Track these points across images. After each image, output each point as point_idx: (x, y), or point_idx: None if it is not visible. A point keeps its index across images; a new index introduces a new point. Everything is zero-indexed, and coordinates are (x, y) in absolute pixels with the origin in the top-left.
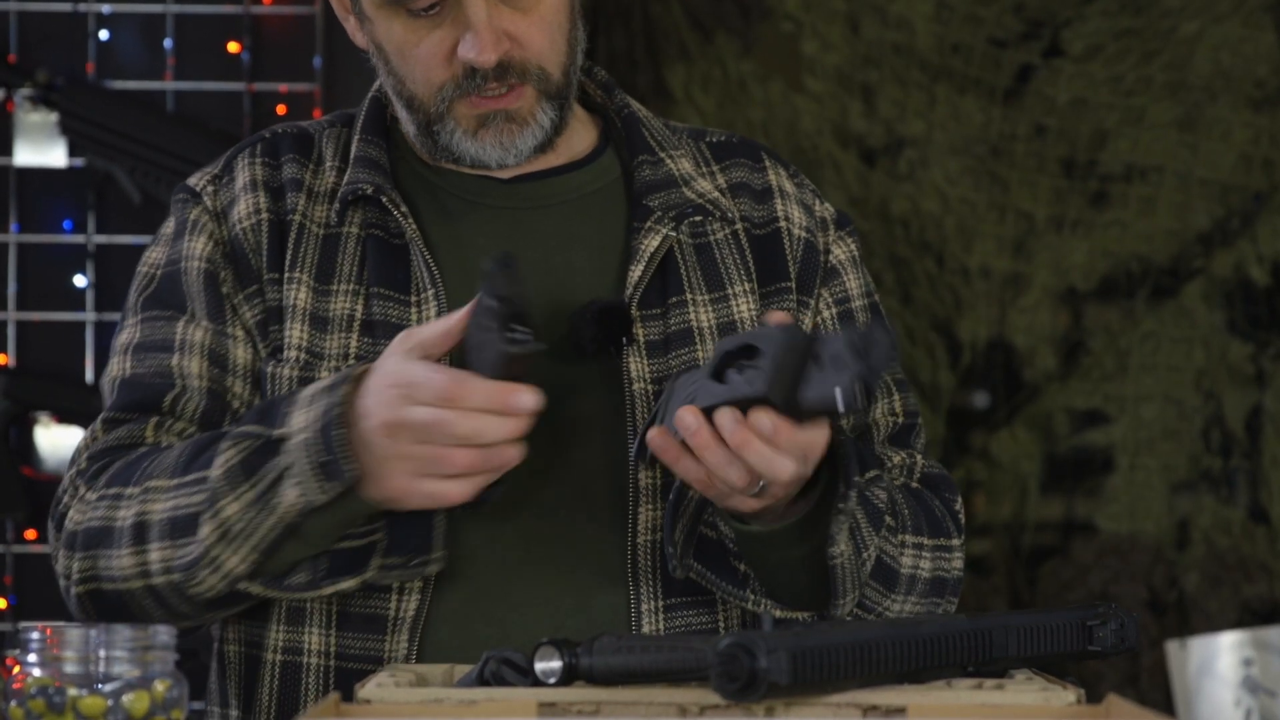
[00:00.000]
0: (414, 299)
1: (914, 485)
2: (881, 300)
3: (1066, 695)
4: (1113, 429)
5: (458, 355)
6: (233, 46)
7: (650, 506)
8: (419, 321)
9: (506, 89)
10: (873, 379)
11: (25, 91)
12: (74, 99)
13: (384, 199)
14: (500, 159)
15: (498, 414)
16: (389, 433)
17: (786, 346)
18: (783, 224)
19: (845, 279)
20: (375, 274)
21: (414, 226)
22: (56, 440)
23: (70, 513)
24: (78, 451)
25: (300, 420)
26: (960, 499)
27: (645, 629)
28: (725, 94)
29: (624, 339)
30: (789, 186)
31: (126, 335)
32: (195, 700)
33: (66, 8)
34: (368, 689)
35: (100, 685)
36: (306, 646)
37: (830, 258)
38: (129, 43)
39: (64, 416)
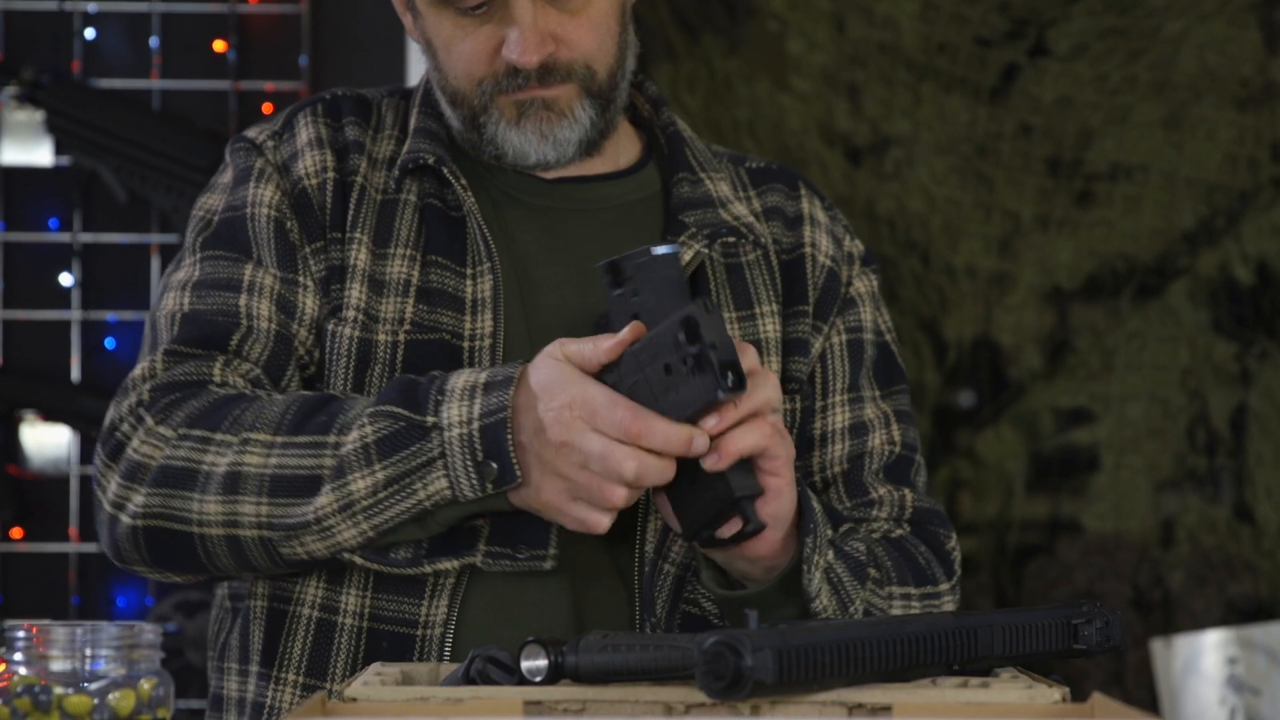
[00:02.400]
0: (470, 271)
1: (896, 534)
2: (873, 290)
3: (1051, 694)
4: (1098, 428)
5: (612, 377)
6: (219, 45)
7: (658, 519)
8: (474, 293)
9: (550, 85)
10: (725, 353)
11: (11, 90)
12: (60, 97)
13: (445, 170)
14: (540, 150)
15: (661, 456)
16: (558, 452)
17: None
18: (808, 249)
19: (861, 311)
20: (432, 242)
21: (472, 199)
22: (42, 439)
23: (134, 442)
24: (133, 381)
25: (458, 414)
26: (955, 537)
27: None
28: (711, 93)
29: None
30: (822, 217)
31: (185, 273)
32: (181, 698)
33: (52, 6)
34: (354, 688)
35: (86, 684)
36: (343, 606)
37: (850, 289)
38: (115, 41)
39: (50, 415)
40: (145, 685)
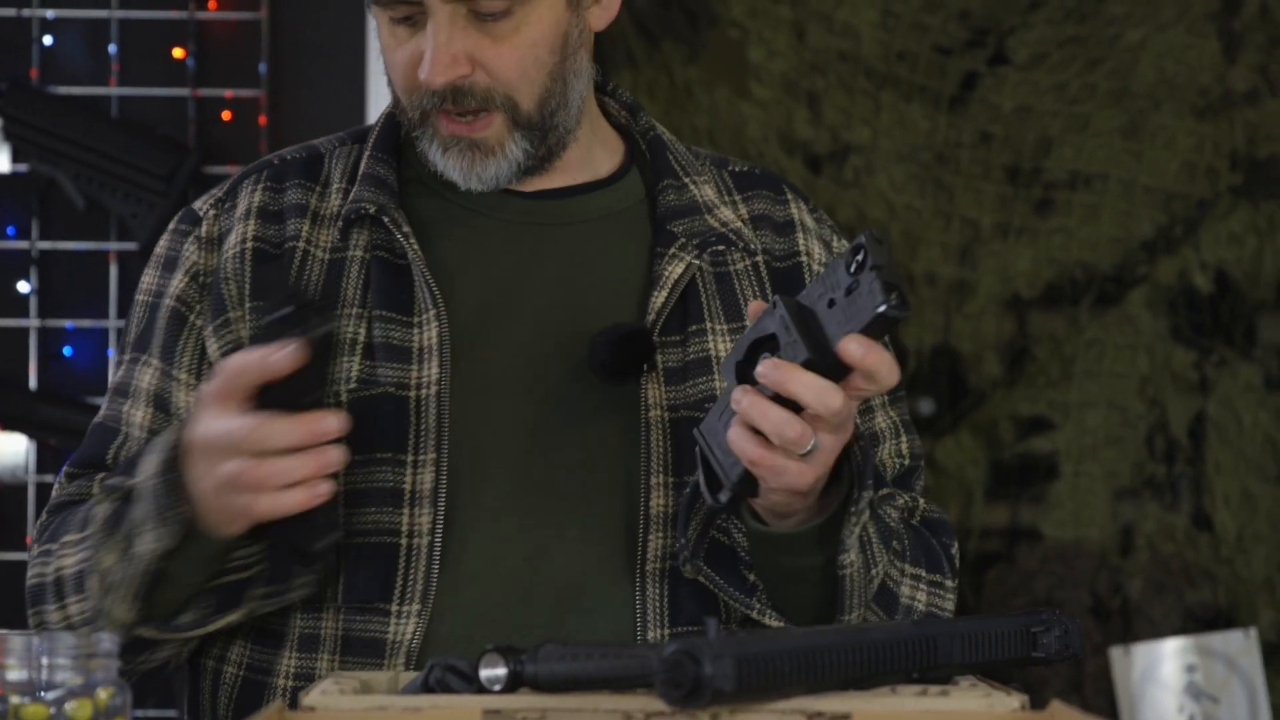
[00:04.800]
0: (416, 319)
1: (914, 523)
2: None
3: (1010, 701)
4: (1057, 435)
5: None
6: (178, 52)
7: (660, 534)
8: (420, 342)
9: (472, 115)
10: (890, 275)
11: None
12: (18, 104)
13: (386, 219)
14: (465, 182)
15: (306, 448)
16: (214, 492)
17: (794, 312)
18: (804, 258)
19: None
20: (378, 296)
21: (415, 247)
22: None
23: (29, 570)
24: (46, 507)
25: (145, 468)
26: (956, 544)
27: None
28: (672, 100)
29: (645, 365)
30: (810, 221)
31: (112, 377)
32: (139, 708)
33: (10, 13)
34: (312, 696)
35: (43, 693)
36: (318, 673)
37: None
38: (73, 48)
39: (6, 424)
40: (102, 694)
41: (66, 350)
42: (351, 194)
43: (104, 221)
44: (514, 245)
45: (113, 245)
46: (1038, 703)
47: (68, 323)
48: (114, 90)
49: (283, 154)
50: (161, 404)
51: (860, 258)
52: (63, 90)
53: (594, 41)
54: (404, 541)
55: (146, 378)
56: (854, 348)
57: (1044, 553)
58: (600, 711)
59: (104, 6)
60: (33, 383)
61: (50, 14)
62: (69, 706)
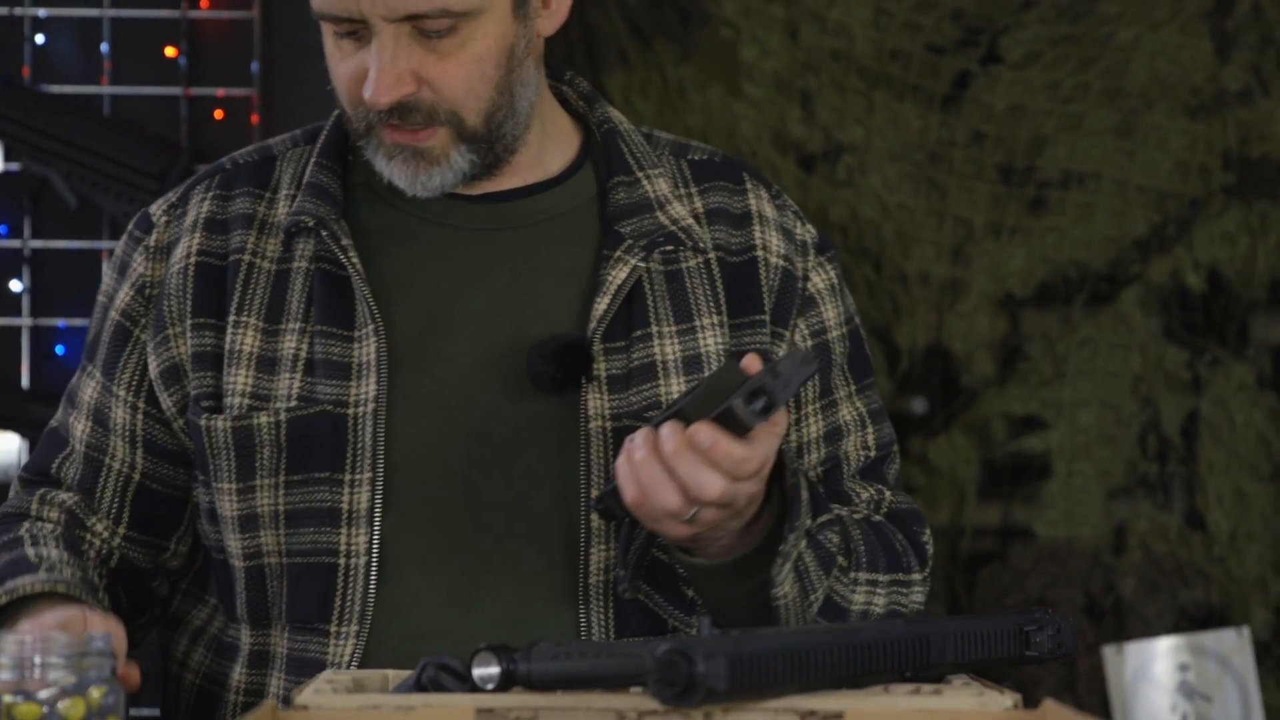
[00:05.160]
0: (356, 334)
1: (876, 518)
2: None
3: (1003, 700)
4: (1050, 435)
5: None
6: (170, 51)
7: (602, 546)
8: (359, 358)
9: (416, 128)
10: (775, 387)
11: None
12: (9, 103)
13: (325, 233)
14: (411, 189)
15: None
16: None
17: (730, 370)
18: (760, 253)
19: (823, 309)
20: (320, 310)
21: (354, 262)
22: None
23: None
24: None
25: None
26: (928, 533)
27: None
28: (664, 100)
29: (584, 377)
30: (769, 210)
31: (72, 379)
32: (132, 706)
33: (2, 11)
34: (305, 695)
35: (36, 692)
36: (269, 689)
37: (809, 285)
38: (65, 47)
39: (0, 422)
40: (95, 693)
41: (59, 349)
42: (294, 205)
43: (96, 220)
44: (459, 254)
45: (105, 244)
46: (1031, 701)
47: (60, 321)
48: (106, 89)
49: (236, 157)
50: (100, 419)
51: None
52: (55, 89)
53: (543, 46)
54: (342, 562)
55: (89, 391)
56: (702, 436)
57: (1037, 552)
58: (593, 710)
59: (96, 5)
60: (25, 381)
61: (42, 13)
62: (62, 705)
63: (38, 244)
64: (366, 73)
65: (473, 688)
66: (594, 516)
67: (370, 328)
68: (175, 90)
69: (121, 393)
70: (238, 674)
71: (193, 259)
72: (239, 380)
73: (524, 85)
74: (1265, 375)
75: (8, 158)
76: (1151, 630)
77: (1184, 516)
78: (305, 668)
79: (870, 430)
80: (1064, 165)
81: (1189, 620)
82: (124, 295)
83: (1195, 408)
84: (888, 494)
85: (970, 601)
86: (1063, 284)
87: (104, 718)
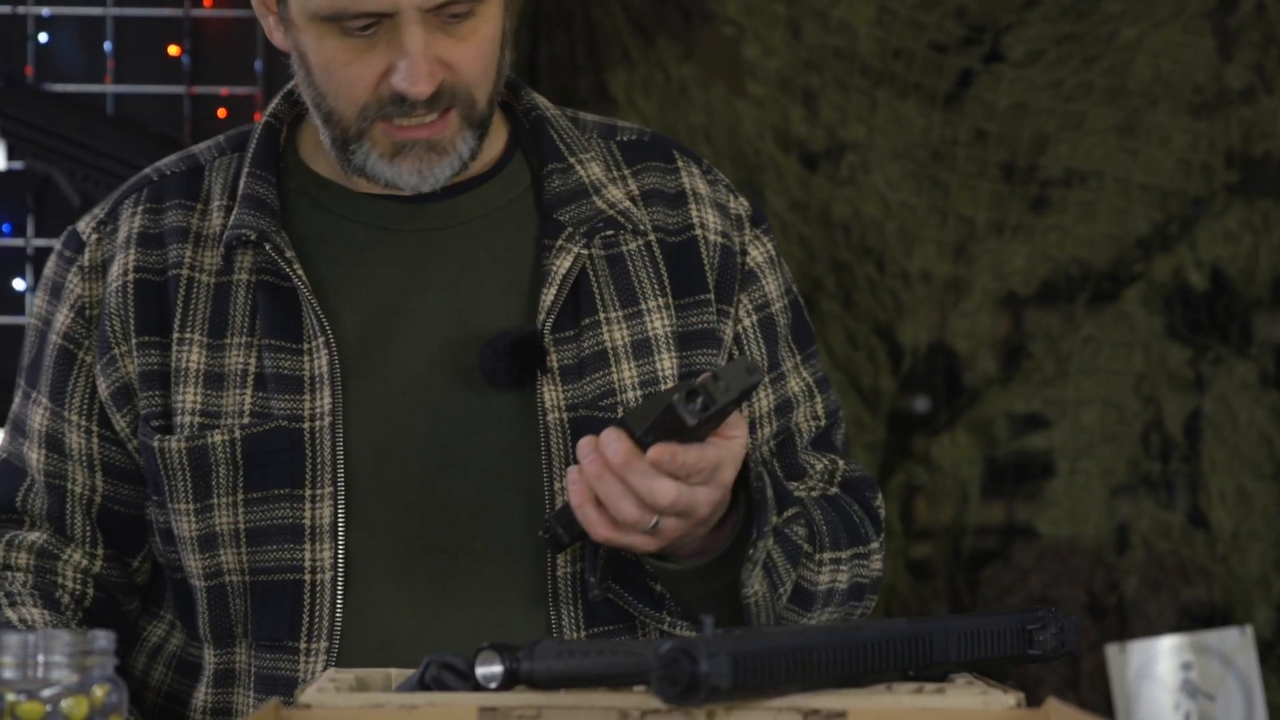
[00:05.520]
0: (306, 346)
1: (831, 493)
2: (823, 305)
3: (1006, 699)
4: (1053, 433)
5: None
6: (173, 49)
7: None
8: (311, 370)
9: (436, 116)
10: (714, 389)
11: None
12: (13, 102)
13: (269, 245)
14: (416, 185)
15: None
16: None
17: (675, 388)
18: (698, 231)
19: (764, 282)
20: (266, 324)
21: (300, 274)
22: None
23: None
24: None
25: None
26: (880, 496)
27: None
28: (666, 98)
29: (538, 369)
30: (702, 187)
31: (12, 405)
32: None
33: (5, 10)
34: (308, 694)
35: (39, 691)
36: (235, 707)
37: (748, 259)
38: (68, 46)
39: (3, 422)
40: (98, 692)
41: None
42: (232, 217)
43: None
44: (401, 256)
45: None
46: (1033, 700)
47: None
48: (109, 87)
49: (161, 167)
50: (54, 446)
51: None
52: (58, 87)
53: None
54: (307, 578)
55: (38, 418)
56: (662, 456)
57: (1039, 550)
58: (596, 709)
59: (99, 4)
60: None
61: (45, 11)
62: (65, 704)
63: (41, 242)
64: (381, 70)
65: (476, 686)
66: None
67: (320, 339)
68: (178, 89)
69: (74, 417)
70: (202, 693)
71: (130, 276)
72: (187, 398)
73: (505, 70)
74: (1268, 373)
75: (11, 156)
76: (1154, 629)
77: (1187, 515)
78: (274, 685)
79: (819, 399)
80: (1067, 164)
81: (1192, 619)
82: (63, 318)
83: (1198, 406)
84: (840, 463)
85: (973, 600)
86: (1065, 282)
87: (107, 716)
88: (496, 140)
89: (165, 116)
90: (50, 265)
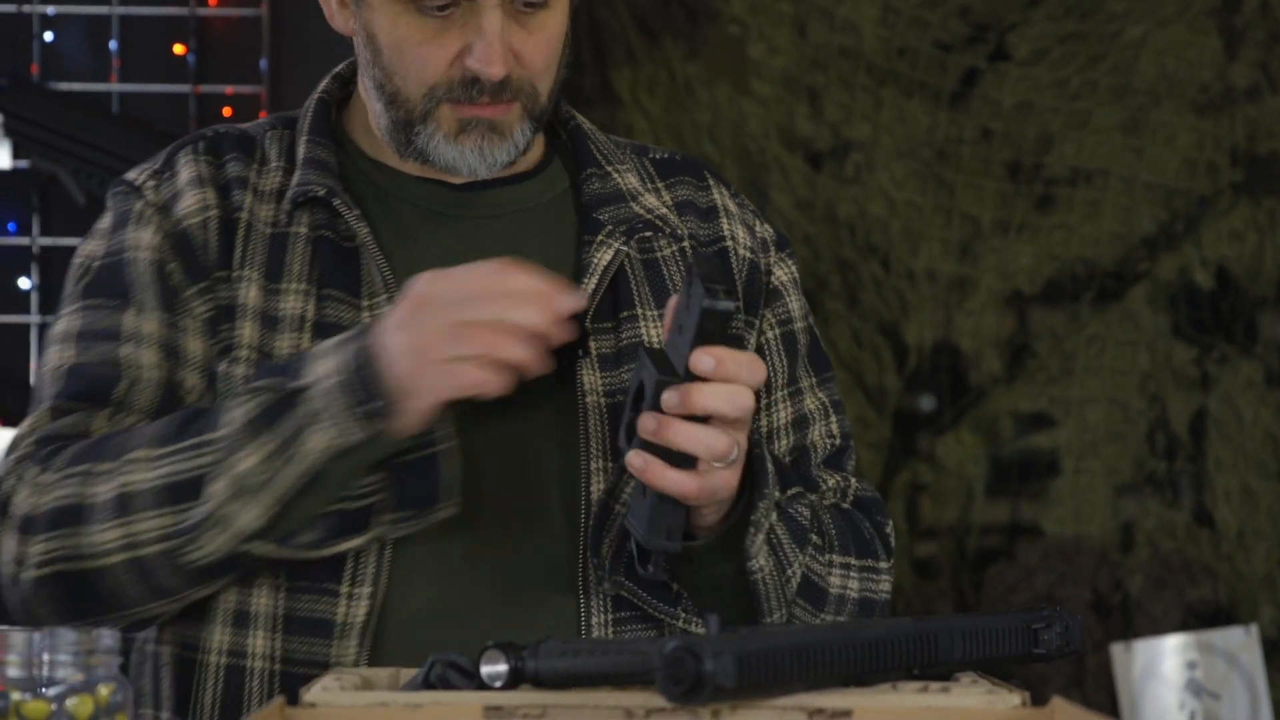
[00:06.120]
0: (366, 303)
1: (845, 506)
2: (828, 304)
3: (1011, 698)
4: (1058, 432)
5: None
6: (178, 48)
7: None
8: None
9: (500, 103)
10: (712, 274)
11: None
12: (18, 100)
13: (336, 201)
14: (475, 167)
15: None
16: (425, 328)
17: (653, 353)
18: (729, 243)
19: (788, 300)
20: (326, 276)
21: (367, 230)
22: (1, 442)
23: (19, 496)
24: (18, 439)
25: (323, 369)
26: (891, 522)
27: None
28: (671, 97)
29: (579, 352)
30: (733, 206)
31: (65, 324)
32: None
33: (11, 9)
34: (313, 693)
35: (44, 689)
36: (250, 650)
37: (772, 279)
38: (74, 44)
39: (8, 419)
40: (103, 691)
41: None
42: (295, 176)
43: None
44: (448, 239)
45: None
46: (1039, 699)
47: None
48: (115, 86)
49: (214, 129)
50: (171, 352)
51: (685, 275)
52: (63, 86)
53: None
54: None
55: (149, 326)
56: (703, 361)
57: (1045, 549)
58: (601, 708)
59: (105, 3)
60: (33, 378)
61: (51, 10)
62: (70, 703)
63: (46, 241)
64: (454, 52)
65: (481, 685)
66: (594, 489)
67: (385, 296)
68: (184, 87)
69: (192, 325)
70: (218, 636)
71: (212, 212)
72: (246, 333)
73: (564, 69)
74: (1273, 372)
75: (16, 155)
76: (1159, 627)
77: (1192, 514)
78: (306, 628)
79: (834, 420)
80: (1072, 162)
81: (1196, 617)
82: (150, 238)
83: (1203, 405)
84: (853, 481)
85: (978, 599)
86: (1070, 281)
87: (112, 715)
88: (535, 146)
89: (170, 115)
90: (108, 212)
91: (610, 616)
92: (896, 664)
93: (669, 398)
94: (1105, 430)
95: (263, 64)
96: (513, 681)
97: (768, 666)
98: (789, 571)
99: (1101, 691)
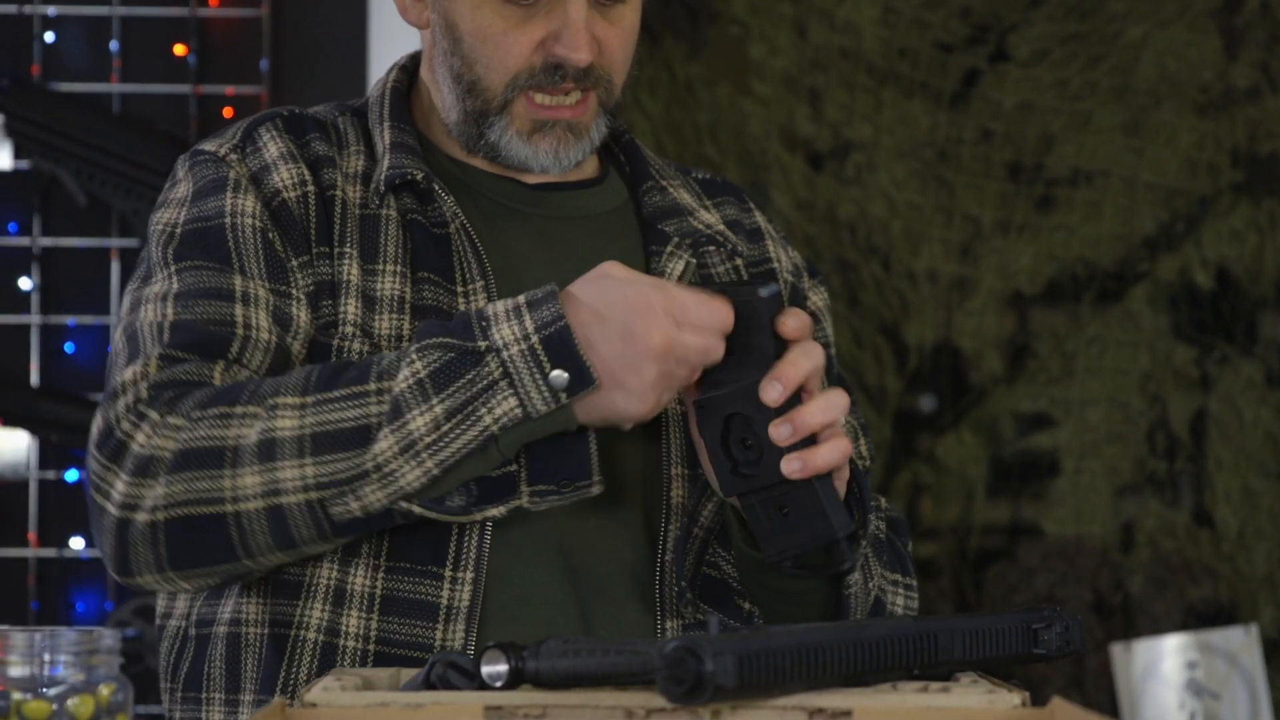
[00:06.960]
0: (461, 289)
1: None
2: (829, 303)
3: (1011, 698)
4: (1058, 432)
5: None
6: (179, 49)
7: (679, 524)
8: (468, 310)
9: (579, 94)
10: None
11: None
12: (19, 101)
13: (435, 186)
14: (547, 166)
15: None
16: (660, 355)
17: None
18: (775, 264)
19: (825, 324)
20: (420, 259)
21: (462, 217)
22: (1, 444)
23: (139, 438)
24: (124, 384)
25: (510, 333)
26: (910, 543)
27: None
28: (673, 97)
29: None
30: (771, 230)
31: (161, 286)
32: (140, 704)
33: (12, 9)
34: (314, 693)
35: (45, 689)
36: (344, 628)
37: (809, 304)
38: (75, 45)
39: (8, 420)
40: (104, 691)
41: (68, 347)
42: (386, 160)
43: (106, 218)
44: (525, 235)
45: (114, 242)
46: (1039, 699)
47: (69, 319)
48: (115, 87)
49: (289, 109)
50: (281, 320)
51: (722, 294)
52: (64, 87)
53: None
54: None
55: (260, 292)
56: (791, 321)
57: (1045, 549)
58: (602, 708)
59: (105, 3)
60: (34, 379)
61: (52, 10)
62: (71, 703)
63: (47, 242)
64: (538, 40)
65: (481, 685)
66: (674, 493)
67: (480, 282)
68: (185, 88)
69: (295, 293)
70: (316, 612)
71: (310, 187)
72: (350, 309)
73: (634, 65)
74: (1274, 372)
75: (17, 155)
76: (1159, 628)
77: (1192, 514)
78: (407, 609)
79: (863, 442)
80: (1072, 163)
81: (1197, 618)
82: (249, 204)
83: (1203, 405)
84: (882, 500)
85: (978, 599)
86: (1071, 282)
87: (113, 715)
88: (590, 159)
89: (171, 116)
90: (185, 179)
91: (680, 623)
92: (897, 664)
93: (781, 430)
94: (1106, 430)
95: (263, 64)
96: (513, 681)
97: (768, 666)
98: (870, 585)
99: (1101, 691)
